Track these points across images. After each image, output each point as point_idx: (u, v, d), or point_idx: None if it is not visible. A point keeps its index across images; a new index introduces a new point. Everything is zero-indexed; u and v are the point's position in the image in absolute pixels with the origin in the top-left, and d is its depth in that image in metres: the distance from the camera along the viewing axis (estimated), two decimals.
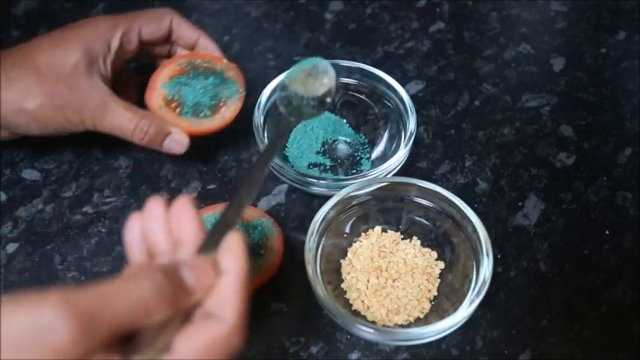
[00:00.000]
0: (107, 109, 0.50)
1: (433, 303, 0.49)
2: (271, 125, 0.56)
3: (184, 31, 0.56)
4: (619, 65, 0.67)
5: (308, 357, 0.47)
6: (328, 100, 0.47)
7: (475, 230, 0.48)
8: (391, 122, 0.58)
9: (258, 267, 0.48)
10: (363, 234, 0.52)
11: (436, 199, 0.51)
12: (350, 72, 0.58)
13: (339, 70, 0.56)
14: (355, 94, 0.59)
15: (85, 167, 0.58)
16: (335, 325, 0.48)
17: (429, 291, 0.49)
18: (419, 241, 0.52)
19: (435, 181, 0.57)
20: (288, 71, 0.49)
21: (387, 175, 0.53)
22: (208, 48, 0.57)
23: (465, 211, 0.49)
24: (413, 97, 0.63)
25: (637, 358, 0.47)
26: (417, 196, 0.52)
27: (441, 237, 0.52)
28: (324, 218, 0.49)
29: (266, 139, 0.55)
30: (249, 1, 0.72)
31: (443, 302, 0.49)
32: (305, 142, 0.59)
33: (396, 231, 0.53)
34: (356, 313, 0.48)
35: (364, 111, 0.59)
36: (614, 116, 0.62)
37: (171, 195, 0.55)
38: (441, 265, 0.51)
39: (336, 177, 0.56)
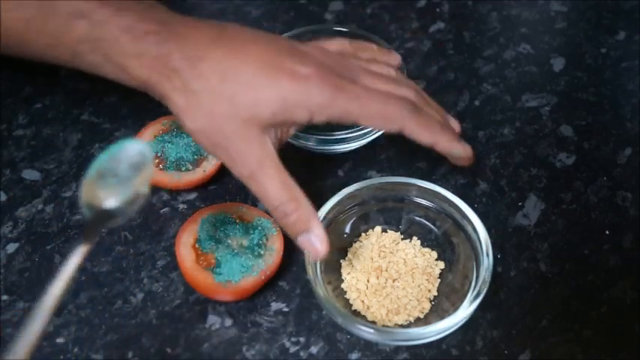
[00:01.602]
0: (259, 172, 0.43)
1: (433, 303, 0.49)
2: None
3: (416, 139, 0.46)
4: (619, 65, 0.67)
5: (308, 357, 0.47)
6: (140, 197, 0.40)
7: (475, 230, 0.48)
8: None
9: (258, 267, 0.48)
10: (363, 234, 0.52)
11: (436, 199, 0.51)
12: (341, 36, 0.57)
13: (330, 35, 0.58)
14: None
15: (85, 167, 0.57)
16: (335, 325, 0.48)
17: (429, 291, 0.49)
18: (419, 241, 0.52)
19: (435, 181, 0.57)
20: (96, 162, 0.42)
21: (380, 130, 0.55)
22: (449, 153, 0.47)
23: (465, 211, 0.49)
24: None
25: (637, 358, 0.47)
26: (417, 196, 0.52)
27: (441, 237, 0.52)
28: (324, 218, 0.49)
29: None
30: (249, 1, 0.72)
31: (443, 302, 0.49)
32: None
33: (396, 231, 0.53)
34: (356, 313, 0.48)
35: None
36: (614, 116, 0.62)
37: (171, 196, 0.55)
38: (441, 265, 0.51)
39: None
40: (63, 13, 0.42)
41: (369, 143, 0.57)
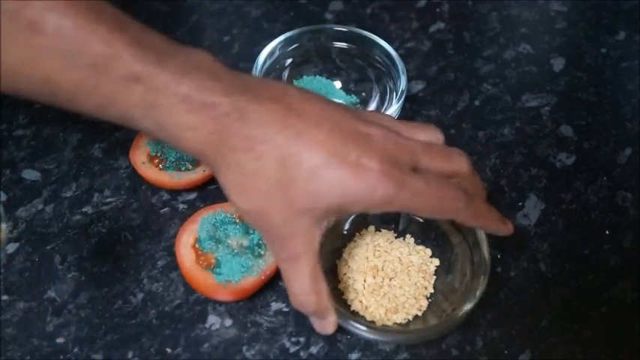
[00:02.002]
0: (295, 262, 0.42)
1: (430, 300, 0.49)
2: None
3: (466, 224, 0.47)
4: (619, 65, 0.67)
5: (308, 357, 0.47)
6: None
7: (473, 230, 0.48)
8: (382, 82, 0.59)
9: (258, 267, 0.48)
10: (357, 234, 0.52)
11: None
12: (340, 35, 0.60)
13: (330, 34, 0.60)
14: (346, 56, 0.61)
15: (85, 167, 0.58)
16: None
17: (426, 288, 0.49)
18: (412, 239, 0.52)
19: None
20: None
21: None
22: (494, 231, 0.47)
23: None
24: (413, 98, 0.63)
25: (637, 358, 0.47)
26: None
27: (440, 237, 0.52)
28: None
29: None
30: (249, 1, 0.72)
31: (441, 301, 0.49)
32: None
33: (390, 230, 0.53)
34: (354, 314, 0.48)
35: (355, 73, 0.61)
36: (614, 116, 0.62)
37: (171, 196, 0.55)
38: (436, 262, 0.51)
39: None
40: (118, 77, 0.37)
41: None
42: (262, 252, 0.49)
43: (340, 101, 0.61)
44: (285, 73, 0.61)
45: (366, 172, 0.39)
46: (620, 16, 0.71)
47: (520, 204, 0.56)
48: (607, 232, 0.54)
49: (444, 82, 0.65)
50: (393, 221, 0.53)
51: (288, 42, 0.59)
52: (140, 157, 0.55)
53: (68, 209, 0.55)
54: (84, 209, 0.55)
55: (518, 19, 0.71)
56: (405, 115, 0.61)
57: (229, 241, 0.50)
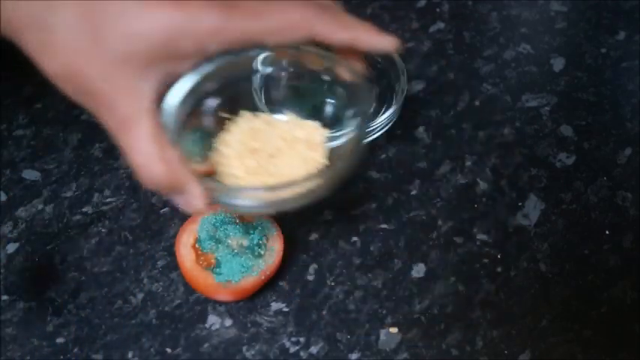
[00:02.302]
0: (127, 124, 0.36)
1: None
2: (269, 86, 0.57)
3: (331, 40, 0.41)
4: (619, 65, 0.67)
5: (308, 357, 0.47)
6: None
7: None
8: (382, 82, 0.59)
9: (258, 267, 0.48)
10: (228, 122, 0.45)
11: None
12: None
13: None
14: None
15: (85, 167, 0.58)
16: (335, 325, 0.49)
17: (317, 160, 0.44)
18: (296, 115, 0.46)
19: (434, 181, 0.57)
20: None
21: (380, 131, 0.54)
22: (374, 47, 0.42)
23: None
24: (413, 98, 0.63)
25: (637, 358, 0.47)
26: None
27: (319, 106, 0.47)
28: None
29: (263, 99, 0.50)
30: None
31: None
32: (296, 107, 0.59)
33: (268, 111, 0.47)
34: None
35: None
36: (614, 116, 0.62)
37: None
38: (325, 132, 0.45)
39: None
40: None
41: (369, 143, 0.57)
42: (262, 252, 0.49)
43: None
44: (286, 73, 0.61)
45: (187, 3, 0.34)
46: (620, 16, 0.71)
47: (520, 204, 0.56)
48: (607, 232, 0.54)
49: (444, 82, 0.65)
50: (274, 101, 0.47)
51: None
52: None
53: (68, 209, 0.55)
54: (84, 209, 0.55)
55: (518, 19, 0.71)
56: (405, 115, 0.61)
57: (229, 241, 0.50)
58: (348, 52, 0.43)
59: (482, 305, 0.50)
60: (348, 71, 0.43)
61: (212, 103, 0.43)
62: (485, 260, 0.52)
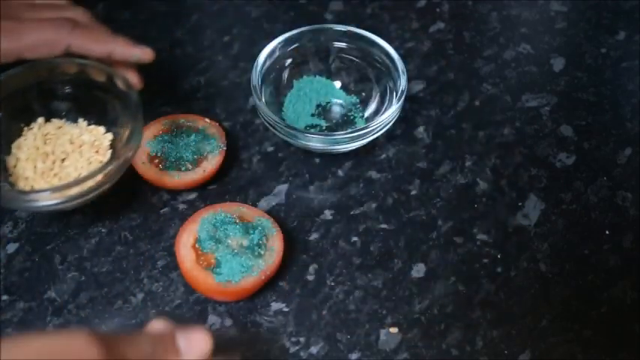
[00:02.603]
0: None
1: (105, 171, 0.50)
2: (267, 85, 0.59)
3: (89, 52, 0.48)
4: (619, 65, 0.67)
5: (308, 357, 0.47)
6: None
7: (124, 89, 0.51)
8: (382, 82, 0.60)
9: (258, 267, 0.48)
10: (25, 128, 0.53)
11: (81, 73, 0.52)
12: (340, 35, 0.61)
13: (330, 34, 0.60)
14: (346, 56, 0.61)
15: None
16: (335, 325, 0.48)
17: (100, 162, 0.52)
18: (85, 122, 0.54)
19: (434, 181, 0.57)
20: None
21: (380, 130, 0.55)
22: (130, 57, 0.50)
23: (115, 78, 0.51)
24: (413, 98, 0.63)
25: (637, 358, 0.47)
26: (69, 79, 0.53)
27: (103, 110, 0.53)
28: None
29: (263, 98, 0.56)
30: (249, 1, 0.72)
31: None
32: (299, 106, 0.60)
33: (62, 119, 0.54)
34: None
35: (355, 72, 0.61)
36: (614, 116, 0.62)
37: (171, 196, 0.55)
38: (110, 136, 0.53)
39: (329, 133, 0.58)
40: None
41: (369, 143, 0.57)
42: (262, 252, 0.49)
43: (340, 101, 0.61)
44: (285, 73, 0.61)
45: None
46: (620, 16, 0.71)
47: (520, 204, 0.56)
48: (607, 232, 0.54)
49: (444, 82, 0.65)
50: (64, 109, 0.54)
51: (288, 42, 0.59)
52: (140, 157, 0.55)
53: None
54: (84, 209, 0.55)
55: (518, 19, 0.71)
56: (405, 115, 0.61)
57: (229, 241, 0.49)
58: (123, 65, 0.51)
59: (482, 305, 0.50)
60: (122, 82, 0.51)
61: None
62: (485, 260, 0.52)
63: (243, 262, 0.48)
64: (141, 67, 0.61)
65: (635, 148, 0.60)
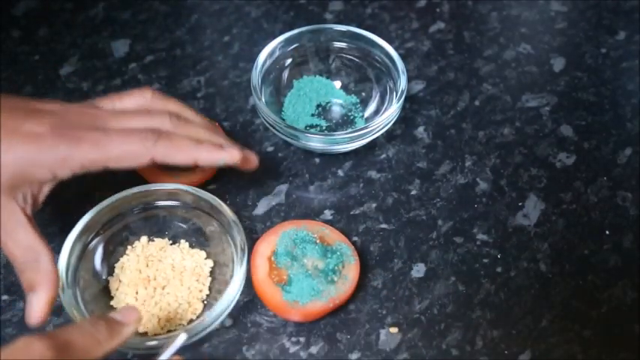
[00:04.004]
0: (7, 237, 0.43)
1: (206, 302, 0.49)
2: (267, 85, 0.59)
3: (173, 162, 0.46)
4: (619, 65, 0.67)
5: (308, 357, 0.47)
6: None
7: (228, 219, 0.49)
8: (382, 82, 0.60)
9: (328, 293, 0.47)
10: (129, 247, 0.51)
11: (185, 196, 0.51)
12: (340, 35, 0.61)
13: (330, 34, 0.60)
14: (346, 56, 0.61)
15: None
16: (335, 325, 0.48)
17: (200, 291, 0.49)
18: (187, 244, 0.52)
19: (434, 181, 0.57)
20: None
21: (380, 130, 0.55)
22: (215, 163, 0.48)
23: (212, 200, 0.50)
24: (413, 98, 0.63)
25: (637, 358, 0.47)
26: (169, 199, 0.52)
27: (204, 233, 0.52)
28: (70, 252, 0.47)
29: (263, 98, 0.56)
30: (249, 1, 0.72)
31: (217, 300, 0.47)
32: (299, 106, 0.60)
33: (164, 238, 0.52)
34: None
35: (355, 73, 0.62)
36: (614, 116, 0.62)
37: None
38: (210, 263, 0.51)
39: (330, 133, 0.58)
40: None
41: (369, 143, 0.57)
42: (336, 279, 0.47)
43: (340, 101, 0.61)
44: (285, 73, 0.61)
45: (38, 137, 0.42)
46: (620, 16, 0.71)
47: (520, 204, 0.56)
48: (607, 232, 0.54)
49: (444, 82, 0.65)
50: (166, 229, 0.52)
51: (288, 42, 0.59)
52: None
53: (68, 209, 0.55)
54: (84, 209, 0.54)
55: (518, 19, 0.71)
56: (405, 115, 0.61)
57: (305, 261, 0.48)
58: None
59: (482, 305, 0.50)
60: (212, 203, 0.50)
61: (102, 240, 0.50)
62: (485, 260, 0.52)
63: (314, 286, 0.47)
64: (141, 69, 0.61)
65: (635, 148, 0.60)
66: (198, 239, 0.52)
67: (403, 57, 0.60)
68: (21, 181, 0.42)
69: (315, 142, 0.54)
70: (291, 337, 0.48)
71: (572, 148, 0.60)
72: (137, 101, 0.48)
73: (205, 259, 0.51)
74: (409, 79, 0.63)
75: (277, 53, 0.59)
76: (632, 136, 0.61)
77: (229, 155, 0.47)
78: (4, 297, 0.50)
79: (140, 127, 0.45)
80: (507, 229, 0.54)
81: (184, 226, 0.52)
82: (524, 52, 0.68)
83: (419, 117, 0.62)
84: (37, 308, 0.43)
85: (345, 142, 0.55)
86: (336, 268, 0.48)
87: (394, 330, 0.48)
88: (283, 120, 0.58)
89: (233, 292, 0.46)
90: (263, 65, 0.58)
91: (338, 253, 0.49)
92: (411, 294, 0.50)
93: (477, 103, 0.63)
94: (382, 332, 0.48)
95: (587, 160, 0.59)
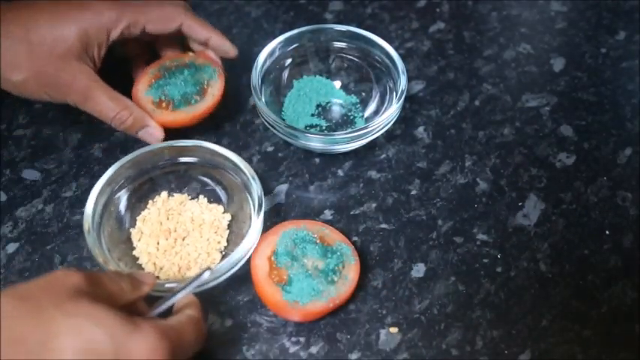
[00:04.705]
0: (91, 94, 0.51)
1: (224, 253, 0.51)
2: (267, 85, 0.59)
3: (195, 33, 0.57)
4: (619, 65, 0.67)
5: (308, 357, 0.47)
6: None
7: (248, 184, 0.51)
8: (382, 82, 0.60)
9: (328, 293, 0.47)
10: (150, 201, 0.54)
11: (204, 152, 0.54)
12: (340, 35, 0.61)
13: (330, 34, 0.61)
14: (346, 56, 0.62)
15: (85, 167, 0.58)
16: (335, 325, 0.48)
17: (219, 243, 0.52)
18: (205, 199, 0.54)
19: (434, 181, 0.57)
20: None
21: (380, 130, 0.55)
22: (221, 47, 0.58)
23: (231, 157, 0.52)
24: (413, 98, 0.63)
25: (637, 358, 0.47)
26: (189, 156, 0.54)
27: (223, 189, 0.54)
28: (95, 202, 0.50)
29: (263, 98, 0.57)
30: (249, 1, 0.72)
31: (235, 251, 0.48)
32: (299, 106, 0.61)
33: (183, 194, 0.55)
34: None
35: (355, 73, 0.62)
36: (614, 116, 0.62)
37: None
38: (228, 217, 0.53)
39: (329, 134, 0.58)
40: None
41: (369, 143, 0.57)
42: (336, 279, 0.47)
43: (340, 101, 0.61)
44: (285, 73, 0.61)
45: (89, 3, 0.52)
46: (620, 16, 0.71)
47: (520, 204, 0.56)
48: (607, 232, 0.54)
49: (444, 82, 0.65)
50: (186, 185, 0.55)
51: (288, 42, 0.59)
52: (147, 106, 0.55)
53: (68, 209, 0.55)
54: (84, 209, 0.54)
55: (518, 19, 0.71)
56: (405, 115, 0.61)
57: (305, 261, 0.48)
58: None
59: (482, 305, 0.50)
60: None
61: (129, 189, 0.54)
62: (485, 260, 0.52)
63: (315, 286, 0.47)
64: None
65: (635, 148, 0.60)
66: (217, 195, 0.55)
67: (403, 57, 0.59)
68: (86, 43, 0.51)
69: (315, 142, 0.54)
70: (291, 337, 0.48)
71: (572, 148, 0.60)
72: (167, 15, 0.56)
73: (223, 213, 0.54)
74: (409, 79, 0.63)
75: (277, 53, 0.59)
76: (632, 136, 0.61)
77: (230, 48, 0.58)
78: None
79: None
80: (507, 229, 0.54)
81: (204, 180, 0.55)
82: (524, 52, 0.68)
83: (419, 117, 0.62)
84: (157, 128, 0.54)
85: (345, 142, 0.55)
86: (336, 268, 0.48)
87: (394, 330, 0.48)
88: (283, 120, 0.58)
89: (251, 241, 0.48)
90: (263, 65, 0.58)
91: (338, 253, 0.49)
92: (410, 294, 0.50)
93: (477, 103, 0.63)
94: (382, 332, 0.48)
95: (587, 160, 0.59)
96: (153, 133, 0.54)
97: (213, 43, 0.58)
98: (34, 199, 0.55)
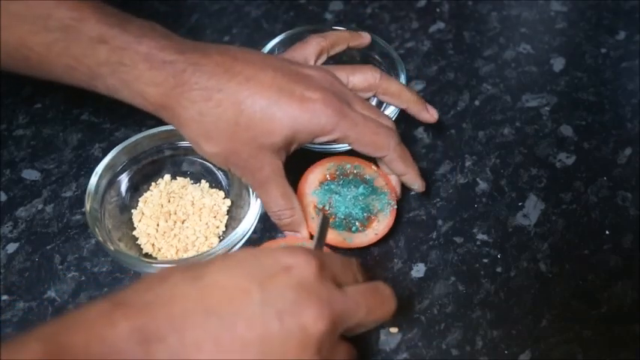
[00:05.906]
0: (267, 186, 0.48)
1: (221, 237, 0.52)
2: None
3: (394, 167, 0.51)
4: (619, 65, 0.67)
5: None
6: None
7: None
8: None
9: (348, 235, 0.50)
10: (153, 183, 0.55)
11: None
12: None
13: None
14: (345, 56, 0.61)
15: (85, 167, 0.58)
16: None
17: (217, 227, 0.53)
18: (207, 184, 0.55)
19: (434, 181, 0.57)
20: None
21: None
22: (411, 184, 0.52)
23: None
24: None
25: (637, 358, 0.47)
26: None
27: (225, 175, 0.55)
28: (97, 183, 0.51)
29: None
30: (249, 1, 0.72)
31: (231, 233, 0.50)
32: None
33: (186, 177, 0.55)
34: (148, 256, 0.51)
35: None
36: (614, 116, 0.62)
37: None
38: (228, 202, 0.54)
39: None
40: (85, 38, 0.43)
41: None
42: (361, 229, 0.51)
43: None
44: None
45: (311, 103, 0.46)
46: (620, 16, 0.71)
47: (520, 204, 0.56)
48: (607, 232, 0.54)
49: (444, 82, 0.65)
50: (188, 169, 0.56)
51: (288, 42, 0.59)
52: (309, 210, 0.51)
53: (68, 209, 0.55)
54: (84, 209, 0.54)
55: (518, 19, 0.71)
56: (405, 115, 0.61)
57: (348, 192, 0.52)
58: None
59: (482, 305, 0.50)
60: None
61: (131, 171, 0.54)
62: (485, 260, 0.52)
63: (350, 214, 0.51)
64: None
65: (635, 148, 0.59)
66: (218, 180, 0.55)
67: (403, 57, 0.59)
68: (290, 142, 0.47)
69: (315, 142, 0.54)
70: None
71: (572, 148, 0.60)
72: (367, 79, 0.52)
73: (224, 198, 0.54)
74: (409, 79, 0.63)
75: (277, 53, 0.59)
76: (632, 136, 0.61)
77: (422, 185, 0.53)
78: (4, 297, 0.50)
79: (378, 121, 0.49)
80: (507, 229, 0.54)
81: (206, 166, 0.55)
82: (524, 52, 0.68)
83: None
84: (300, 239, 0.50)
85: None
86: (366, 216, 0.51)
87: (394, 330, 0.48)
88: None
89: (248, 224, 0.49)
90: None
91: (382, 195, 0.52)
92: (410, 294, 0.50)
93: (476, 103, 0.63)
94: (382, 332, 0.48)
95: (587, 160, 0.59)
96: (297, 239, 0.50)
97: (406, 180, 0.52)
98: (34, 199, 0.55)
